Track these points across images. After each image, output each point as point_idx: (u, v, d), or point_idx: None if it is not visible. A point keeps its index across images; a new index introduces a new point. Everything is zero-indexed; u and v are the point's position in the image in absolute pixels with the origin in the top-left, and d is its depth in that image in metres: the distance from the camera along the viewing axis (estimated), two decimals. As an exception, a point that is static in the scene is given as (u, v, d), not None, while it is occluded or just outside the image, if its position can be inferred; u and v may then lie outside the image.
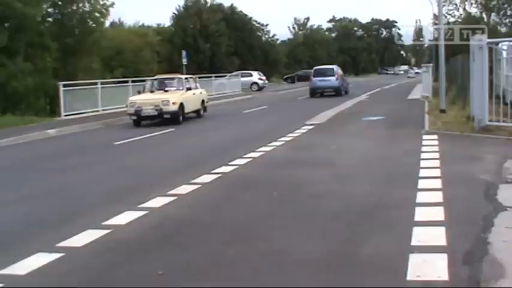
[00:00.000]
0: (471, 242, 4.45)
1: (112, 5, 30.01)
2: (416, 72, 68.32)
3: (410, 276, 3.84)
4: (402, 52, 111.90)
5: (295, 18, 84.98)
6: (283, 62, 70.34)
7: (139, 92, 17.77)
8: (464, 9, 29.06)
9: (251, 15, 64.57)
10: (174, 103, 16.02)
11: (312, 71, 31.30)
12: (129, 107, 16.24)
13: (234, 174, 8.07)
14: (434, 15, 27.48)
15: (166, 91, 17.06)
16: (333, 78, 28.74)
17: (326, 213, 5.66)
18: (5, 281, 4.20)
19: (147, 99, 16.41)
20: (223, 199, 6.64)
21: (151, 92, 17.23)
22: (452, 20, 28.39)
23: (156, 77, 18.97)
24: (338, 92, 28.49)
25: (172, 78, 18.45)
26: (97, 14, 29.84)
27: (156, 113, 15.82)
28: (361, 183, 7.01)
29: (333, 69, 30.01)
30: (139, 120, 16.13)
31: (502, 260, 4.01)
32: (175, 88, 17.29)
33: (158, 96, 16.47)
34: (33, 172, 9.43)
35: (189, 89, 17.42)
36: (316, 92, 28.93)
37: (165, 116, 15.86)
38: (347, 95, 28.90)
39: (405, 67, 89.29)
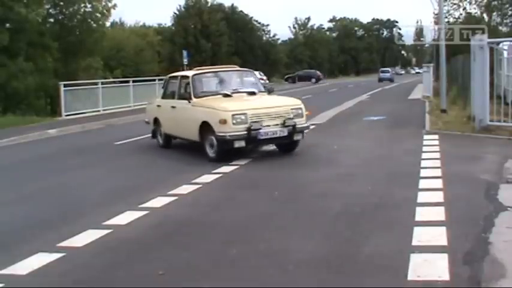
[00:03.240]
0: (472, 242, 4.45)
1: (114, 6, 30.06)
2: (417, 72, 68.79)
3: (411, 276, 3.83)
4: (403, 52, 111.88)
5: (295, 18, 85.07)
6: (283, 61, 70.38)
7: (171, 96, 10.69)
8: (464, 9, 29.05)
9: (252, 15, 64.77)
10: (307, 114, 9.72)
11: (379, 69, 62.07)
12: (234, 123, 8.66)
13: (235, 174, 8.07)
14: (435, 14, 27.48)
15: (252, 94, 9.97)
16: (388, 74, 56.30)
17: (327, 213, 5.66)
18: (6, 281, 4.21)
19: (266, 107, 9.13)
20: (224, 199, 6.64)
21: (227, 95, 9.67)
22: (452, 20, 28.36)
23: (218, 69, 11.17)
24: (391, 80, 53.21)
25: (245, 72, 11.13)
26: (98, 15, 29.85)
27: (285, 132, 8.92)
28: (362, 183, 7.01)
29: (389, 70, 60.41)
30: (247, 144, 8.96)
31: (503, 260, 4.01)
32: (257, 90, 10.20)
33: (280, 102, 9.87)
34: (33, 172, 9.43)
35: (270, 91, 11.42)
36: (381, 81, 52.37)
37: (296, 137, 9.25)
38: (392, 82, 51.07)
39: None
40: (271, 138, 8.98)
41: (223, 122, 8.67)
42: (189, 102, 9.67)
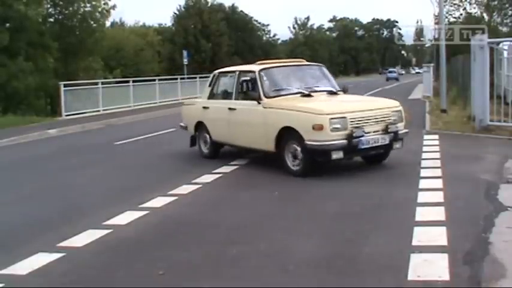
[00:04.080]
0: (472, 242, 4.45)
1: (113, 7, 30.14)
2: (417, 72, 69.56)
3: (411, 276, 3.83)
4: (403, 52, 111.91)
5: (295, 18, 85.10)
6: (284, 62, 70.42)
7: (224, 96, 9.08)
8: (464, 9, 29.07)
9: (252, 15, 64.84)
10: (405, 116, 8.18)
11: (387, 69, 71.92)
12: (332, 129, 7.06)
13: (235, 174, 8.07)
14: (435, 15, 27.49)
15: (333, 93, 8.51)
16: (395, 74, 63.71)
17: (327, 213, 5.66)
18: (6, 281, 4.21)
19: (366, 109, 7.53)
20: (224, 199, 6.64)
21: (306, 95, 8.13)
22: (452, 20, 28.38)
23: (285, 63, 9.25)
24: (397, 79, 58.68)
25: (315, 67, 9.42)
26: (98, 14, 29.90)
27: (387, 140, 7.47)
28: (362, 182, 7.00)
29: (395, 70, 69.71)
30: (345, 155, 7.29)
31: (503, 260, 4.00)
32: (333, 89, 8.65)
33: (378, 103, 8.09)
34: (33, 172, 9.43)
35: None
36: (388, 79, 58.43)
37: (396, 146, 7.72)
38: (397, 81, 56.22)
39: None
40: (372, 147, 7.39)
41: (319, 127, 7.04)
42: (259, 103, 7.99)
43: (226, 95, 9.06)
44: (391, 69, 70.22)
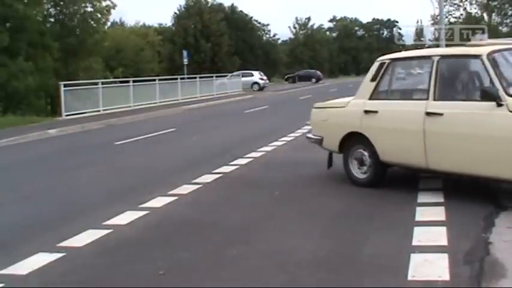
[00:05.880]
0: (472, 241, 4.45)
1: (114, 6, 30.20)
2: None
3: (411, 276, 3.83)
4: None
5: (296, 18, 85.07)
6: (284, 61, 70.41)
7: (407, 95, 6.87)
8: (464, 9, 29.11)
9: (252, 15, 64.85)
10: None
11: None
12: None
13: (235, 174, 8.06)
14: (434, 15, 27.53)
15: None
16: None
17: (327, 213, 5.66)
18: (6, 281, 4.21)
19: None
20: (224, 199, 6.64)
21: None
22: (453, 20, 28.41)
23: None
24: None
25: None
26: (98, 15, 29.93)
27: None
28: (362, 183, 7.00)
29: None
30: None
31: (503, 260, 4.01)
32: None
33: None
34: (33, 172, 9.42)
35: None
36: None
37: None
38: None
39: None
40: None
41: None
42: (499, 105, 5.21)
43: (412, 93, 6.61)
44: None
